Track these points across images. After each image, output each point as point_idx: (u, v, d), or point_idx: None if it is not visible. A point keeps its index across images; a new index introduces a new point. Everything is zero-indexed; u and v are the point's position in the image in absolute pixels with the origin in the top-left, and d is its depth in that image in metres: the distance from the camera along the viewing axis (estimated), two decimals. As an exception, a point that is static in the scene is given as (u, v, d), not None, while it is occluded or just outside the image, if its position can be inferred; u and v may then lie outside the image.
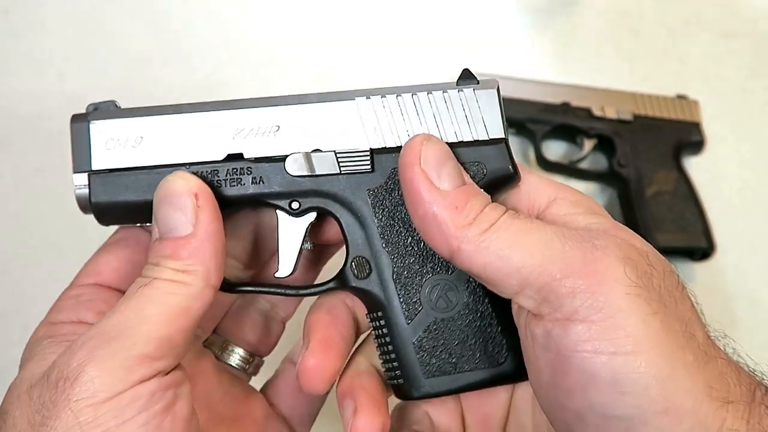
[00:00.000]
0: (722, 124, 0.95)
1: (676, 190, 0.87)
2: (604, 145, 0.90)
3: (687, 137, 0.91)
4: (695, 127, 0.92)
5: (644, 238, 0.43)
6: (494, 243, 0.41)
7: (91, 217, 0.48)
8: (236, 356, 0.54)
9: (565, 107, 0.89)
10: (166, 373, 0.41)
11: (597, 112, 0.90)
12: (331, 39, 0.95)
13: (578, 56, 0.98)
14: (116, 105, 0.48)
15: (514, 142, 0.91)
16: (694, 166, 0.92)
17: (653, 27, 1.01)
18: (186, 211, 0.43)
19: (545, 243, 0.41)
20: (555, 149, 0.92)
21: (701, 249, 0.86)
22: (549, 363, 0.40)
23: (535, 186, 0.47)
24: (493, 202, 0.44)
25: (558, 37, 0.98)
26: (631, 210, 0.86)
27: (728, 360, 0.41)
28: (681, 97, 0.93)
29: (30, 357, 0.44)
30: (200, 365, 0.51)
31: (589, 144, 0.89)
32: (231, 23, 0.94)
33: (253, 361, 0.55)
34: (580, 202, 0.45)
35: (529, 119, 0.89)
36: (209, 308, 0.43)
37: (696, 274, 0.88)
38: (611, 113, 0.89)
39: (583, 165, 0.90)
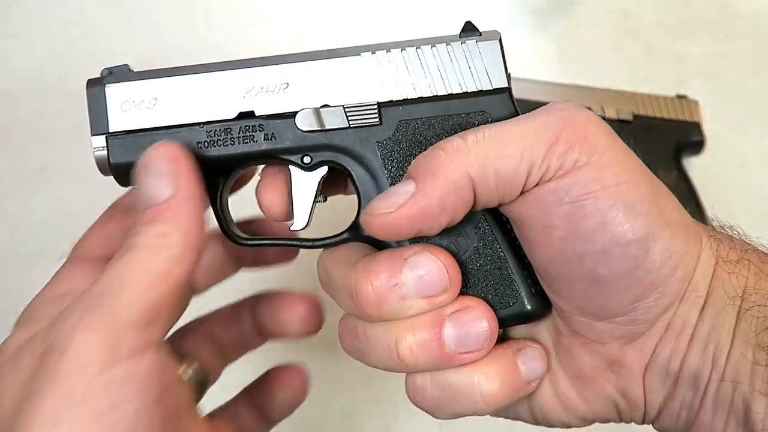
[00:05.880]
0: (722, 124, 0.95)
1: (676, 190, 0.86)
2: (604, 145, 0.90)
3: (687, 137, 0.91)
4: (695, 127, 0.92)
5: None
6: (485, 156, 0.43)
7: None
8: (190, 370, 0.52)
9: (565, 107, 0.89)
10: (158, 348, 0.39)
11: (597, 112, 0.89)
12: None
13: (578, 56, 0.98)
14: (129, 68, 0.50)
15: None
16: (694, 166, 0.92)
17: (653, 27, 1.01)
18: (163, 177, 0.42)
19: (524, 126, 0.44)
20: (555, 149, 0.92)
21: (701, 249, 0.86)
22: (564, 216, 0.42)
23: None
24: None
25: (558, 37, 0.98)
26: (631, 210, 0.86)
27: None
28: (681, 97, 0.93)
29: (25, 322, 0.44)
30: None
31: (589, 144, 0.89)
32: (231, 25, 0.94)
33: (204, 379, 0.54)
34: None
35: (529, 119, 0.88)
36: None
37: (696, 274, 0.88)
38: (611, 113, 0.89)
39: (583, 165, 0.89)
